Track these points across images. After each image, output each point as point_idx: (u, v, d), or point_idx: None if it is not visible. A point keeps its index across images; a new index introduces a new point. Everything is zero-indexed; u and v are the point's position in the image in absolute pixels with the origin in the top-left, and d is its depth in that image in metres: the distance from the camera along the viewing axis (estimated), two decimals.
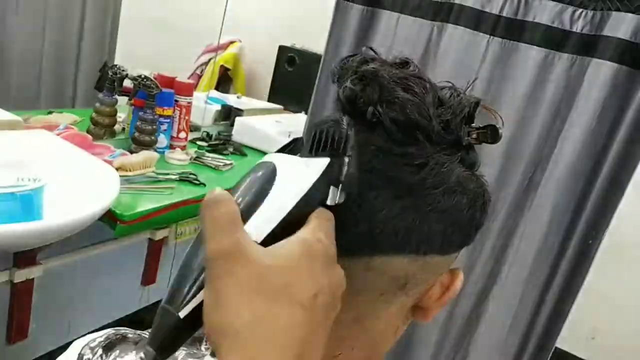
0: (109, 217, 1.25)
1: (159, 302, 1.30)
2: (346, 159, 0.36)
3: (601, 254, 1.37)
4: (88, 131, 1.66)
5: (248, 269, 0.30)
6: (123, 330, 0.49)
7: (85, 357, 0.46)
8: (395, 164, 0.37)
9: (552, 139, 1.37)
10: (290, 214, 0.33)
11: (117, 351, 0.46)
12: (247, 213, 0.33)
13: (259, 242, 0.32)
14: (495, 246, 1.47)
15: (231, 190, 0.34)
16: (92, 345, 0.47)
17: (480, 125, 0.41)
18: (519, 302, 1.45)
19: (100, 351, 0.46)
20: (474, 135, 0.40)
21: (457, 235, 0.40)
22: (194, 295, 0.32)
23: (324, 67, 1.64)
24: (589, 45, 1.31)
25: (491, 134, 0.40)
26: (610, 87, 1.29)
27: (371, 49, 0.43)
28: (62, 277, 1.55)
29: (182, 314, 0.31)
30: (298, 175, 0.35)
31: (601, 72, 1.29)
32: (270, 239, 0.33)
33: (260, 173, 0.35)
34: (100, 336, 0.48)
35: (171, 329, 0.31)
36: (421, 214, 0.38)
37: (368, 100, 0.38)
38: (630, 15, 1.25)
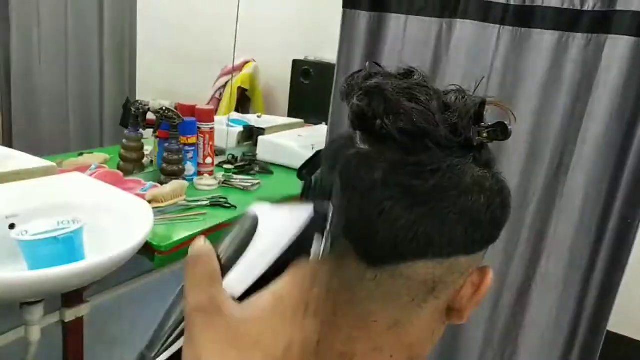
0: (147, 249, 1.28)
1: None
2: (331, 208, 0.37)
3: None
4: (118, 168, 1.72)
5: (222, 323, 0.32)
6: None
7: None
8: (409, 172, 0.38)
9: (576, 120, 1.35)
10: (270, 267, 0.34)
11: None
12: (228, 268, 0.34)
13: (237, 296, 0.33)
14: (530, 237, 1.45)
15: (217, 243, 0.36)
16: None
17: (490, 124, 0.41)
18: (562, 289, 1.42)
19: None
20: (485, 135, 0.41)
21: (479, 233, 0.41)
22: (170, 344, 0.33)
23: (338, 77, 1.65)
24: (603, 22, 1.29)
25: (501, 131, 0.41)
26: (629, 61, 1.27)
27: (376, 63, 0.44)
28: (110, 313, 1.60)
29: None
30: (277, 229, 0.35)
31: (619, 47, 1.27)
32: (250, 292, 0.33)
33: (242, 226, 0.36)
34: None
35: None
36: (440, 217, 0.39)
37: (375, 114, 0.39)
38: None
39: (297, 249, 0.35)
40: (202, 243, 0.35)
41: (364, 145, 0.41)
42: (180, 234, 1.35)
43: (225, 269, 0.34)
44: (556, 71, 1.36)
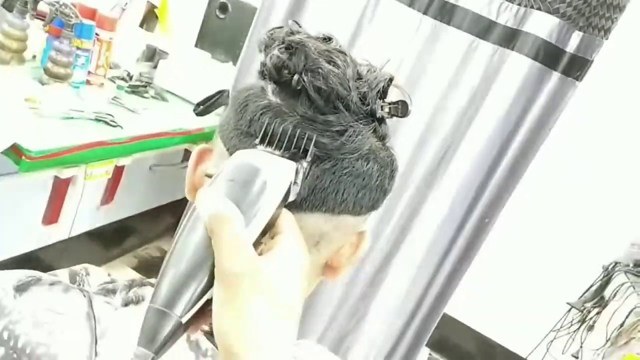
0: (13, 151, 1.17)
1: (60, 242, 1.27)
2: (305, 165, 0.39)
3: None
4: None
5: (265, 284, 0.34)
6: (35, 272, 0.47)
7: None
8: (317, 129, 0.40)
9: (466, 121, 1.46)
10: (270, 219, 0.36)
11: (32, 293, 0.44)
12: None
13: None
14: (400, 219, 1.56)
15: (213, 179, 0.36)
16: (2, 284, 0.45)
17: (393, 101, 0.44)
18: (417, 270, 1.56)
19: (12, 291, 0.44)
20: (387, 109, 0.44)
21: (368, 198, 0.44)
22: (194, 303, 0.33)
23: (258, 21, 1.61)
24: (510, 38, 1.40)
25: (402, 109, 0.44)
26: (523, 80, 1.39)
27: (296, 22, 0.45)
28: None
29: (185, 319, 0.33)
30: (278, 183, 0.37)
31: (518, 65, 1.39)
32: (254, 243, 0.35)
33: (251, 182, 0.36)
34: (11, 276, 0.46)
35: (172, 332, 0.32)
36: (337, 176, 0.41)
37: (294, 68, 0.41)
38: (549, 15, 1.34)
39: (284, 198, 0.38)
40: (222, 206, 0.34)
41: (275, 98, 0.42)
42: (55, 143, 1.25)
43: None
44: (460, 71, 1.45)
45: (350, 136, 0.41)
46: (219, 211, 0.34)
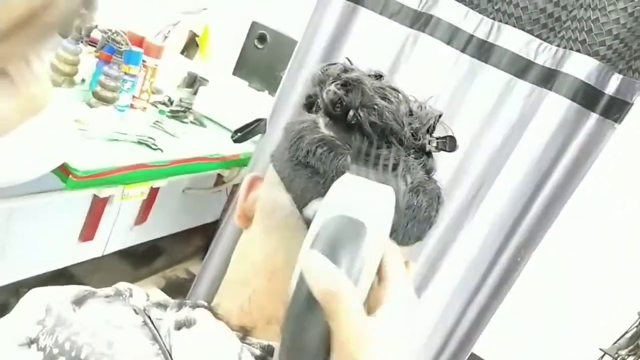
0: (61, 169, 1.22)
1: (94, 260, 1.31)
2: (402, 186, 0.40)
3: None
4: None
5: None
6: (89, 287, 0.49)
7: (55, 309, 0.45)
8: (370, 163, 0.42)
9: (500, 160, 1.46)
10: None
11: (90, 305, 0.45)
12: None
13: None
14: (431, 254, 1.55)
15: (312, 238, 0.34)
16: (60, 298, 0.46)
17: (441, 135, 0.46)
18: (446, 306, 1.54)
19: (70, 305, 0.45)
20: (435, 144, 0.45)
21: (416, 230, 0.46)
22: None
23: (298, 53, 1.65)
24: (548, 78, 1.40)
25: (449, 143, 0.46)
26: (560, 121, 1.39)
27: (349, 60, 0.48)
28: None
29: None
30: (380, 227, 0.36)
31: (555, 105, 1.38)
32: None
33: (355, 239, 0.34)
34: (68, 290, 0.48)
35: None
36: None
37: (350, 104, 0.43)
38: (587, 57, 1.34)
39: None
40: (335, 280, 0.32)
41: (328, 131, 0.44)
42: (100, 163, 1.30)
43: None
44: (496, 110, 1.45)
45: (401, 170, 0.43)
46: (332, 288, 0.32)
